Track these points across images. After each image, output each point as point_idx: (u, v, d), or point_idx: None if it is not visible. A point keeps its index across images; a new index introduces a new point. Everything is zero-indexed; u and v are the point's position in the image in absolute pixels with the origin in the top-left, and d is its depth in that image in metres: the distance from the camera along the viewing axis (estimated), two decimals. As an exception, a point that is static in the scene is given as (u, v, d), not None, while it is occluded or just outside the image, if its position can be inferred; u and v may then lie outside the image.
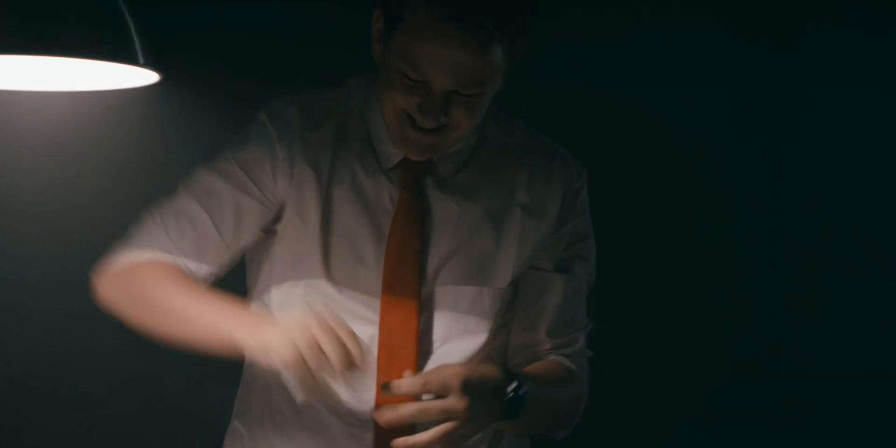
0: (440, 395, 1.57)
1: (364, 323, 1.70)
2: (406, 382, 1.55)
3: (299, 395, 1.67)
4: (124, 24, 1.77)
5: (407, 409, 1.56)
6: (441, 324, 1.74)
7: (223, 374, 1.92)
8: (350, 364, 1.48)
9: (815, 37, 2.67)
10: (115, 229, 2.35)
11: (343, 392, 1.71)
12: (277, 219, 1.73)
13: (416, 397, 1.61)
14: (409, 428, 1.65)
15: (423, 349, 1.73)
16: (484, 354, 1.77)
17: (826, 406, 2.72)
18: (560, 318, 1.80)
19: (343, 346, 1.48)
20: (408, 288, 1.71)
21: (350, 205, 1.72)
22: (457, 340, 1.75)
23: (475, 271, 1.75)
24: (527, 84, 2.14)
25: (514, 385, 1.61)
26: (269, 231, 1.74)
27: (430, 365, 1.72)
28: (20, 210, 2.34)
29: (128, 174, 2.38)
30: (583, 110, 2.56)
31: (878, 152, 2.71)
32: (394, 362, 1.70)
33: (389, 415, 1.57)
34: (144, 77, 1.92)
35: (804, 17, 2.67)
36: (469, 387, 1.55)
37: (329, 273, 1.71)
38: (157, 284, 1.64)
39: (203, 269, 1.70)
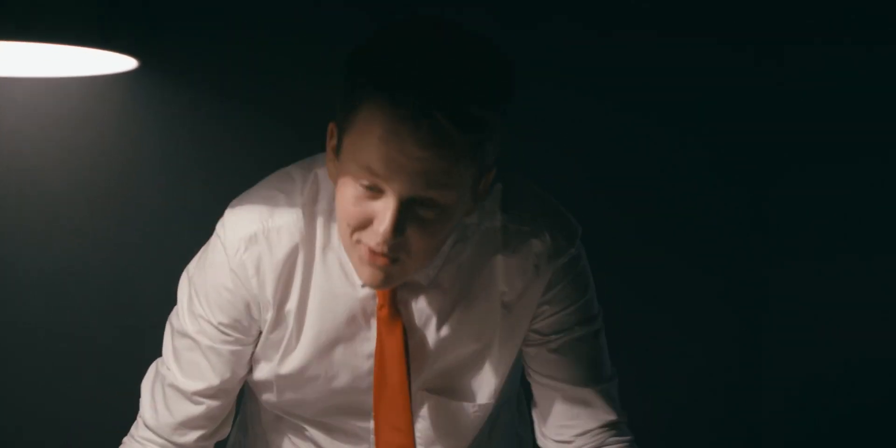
0: None
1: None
2: None
3: None
4: (103, 8, 1.74)
5: None
6: (420, 432, 1.70)
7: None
8: None
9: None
10: (92, 218, 2.34)
11: None
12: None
13: None
14: None
15: None
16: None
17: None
18: (577, 383, 1.68)
19: None
20: (400, 407, 1.64)
21: (328, 323, 1.62)
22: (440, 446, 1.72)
23: (456, 387, 1.68)
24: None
25: None
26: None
27: None
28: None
29: (104, 162, 2.34)
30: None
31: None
32: None
33: None
34: (123, 63, 1.89)
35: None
36: None
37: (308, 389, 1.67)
38: None
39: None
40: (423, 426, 1.69)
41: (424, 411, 1.69)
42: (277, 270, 1.59)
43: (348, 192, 1.46)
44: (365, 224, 1.47)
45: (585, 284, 1.67)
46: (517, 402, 1.86)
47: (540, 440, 1.73)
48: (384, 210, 1.44)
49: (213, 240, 1.62)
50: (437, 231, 1.47)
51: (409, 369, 1.61)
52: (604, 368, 1.69)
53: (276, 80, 2.40)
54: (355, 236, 1.49)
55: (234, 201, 1.63)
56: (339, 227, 1.52)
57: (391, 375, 1.61)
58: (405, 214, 1.44)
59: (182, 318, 1.64)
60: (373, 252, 1.47)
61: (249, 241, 1.58)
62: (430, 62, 1.39)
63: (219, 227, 1.62)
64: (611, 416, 1.68)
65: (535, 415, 1.73)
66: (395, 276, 1.51)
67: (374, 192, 1.44)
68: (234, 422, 1.85)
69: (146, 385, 1.71)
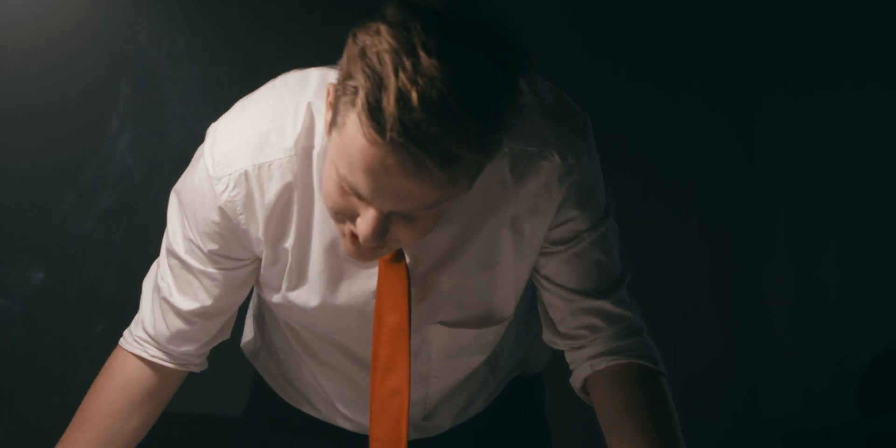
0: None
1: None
2: None
3: None
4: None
5: None
6: (440, 359, 1.69)
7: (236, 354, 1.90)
8: None
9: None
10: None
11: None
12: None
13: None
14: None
15: (424, 375, 1.70)
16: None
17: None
18: (588, 294, 1.61)
19: None
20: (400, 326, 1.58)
21: (332, 260, 1.57)
22: (458, 370, 1.72)
23: (473, 317, 1.63)
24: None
25: None
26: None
27: (434, 386, 1.72)
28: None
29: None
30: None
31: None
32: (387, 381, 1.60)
33: None
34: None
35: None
36: None
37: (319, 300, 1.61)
38: (83, 410, 1.68)
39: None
40: (437, 351, 1.66)
41: (441, 340, 1.65)
42: (268, 210, 1.52)
43: (333, 178, 1.37)
44: (349, 214, 1.39)
45: (593, 188, 1.58)
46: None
47: (546, 339, 1.68)
48: (366, 214, 1.36)
49: (200, 169, 1.53)
50: (427, 226, 1.40)
51: (410, 313, 1.56)
52: (614, 271, 1.62)
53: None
54: (339, 221, 1.42)
55: (221, 126, 1.54)
56: (325, 199, 1.42)
57: (388, 317, 1.56)
58: (389, 220, 1.37)
59: (174, 239, 1.60)
60: (356, 238, 1.40)
61: (238, 178, 1.50)
62: (420, 98, 1.23)
63: (207, 155, 1.52)
64: (622, 321, 1.62)
65: (542, 318, 1.67)
66: (383, 254, 1.47)
67: (359, 197, 1.35)
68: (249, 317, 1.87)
69: (147, 286, 1.69)
